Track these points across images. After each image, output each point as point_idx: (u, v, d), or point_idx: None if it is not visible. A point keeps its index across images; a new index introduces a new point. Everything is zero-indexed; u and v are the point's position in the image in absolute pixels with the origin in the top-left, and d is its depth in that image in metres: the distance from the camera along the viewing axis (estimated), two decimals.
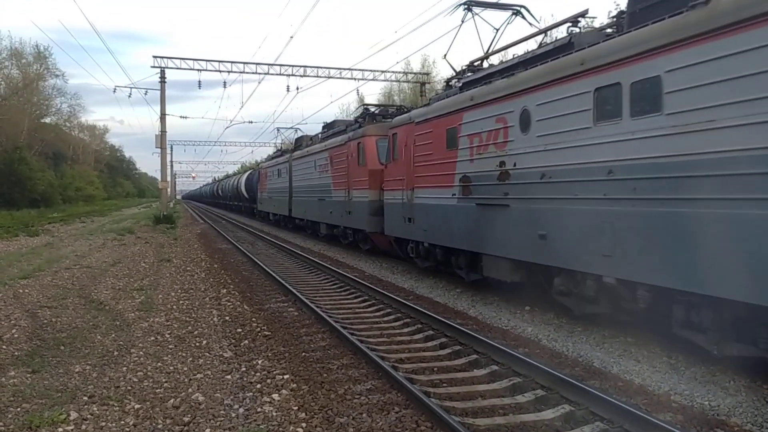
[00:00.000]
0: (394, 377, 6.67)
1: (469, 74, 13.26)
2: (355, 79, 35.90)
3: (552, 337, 8.95)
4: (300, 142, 32.24)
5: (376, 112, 21.27)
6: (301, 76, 35.02)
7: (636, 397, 6.31)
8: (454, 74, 14.21)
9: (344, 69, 35.49)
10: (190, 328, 9.62)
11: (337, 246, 23.59)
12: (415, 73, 43.67)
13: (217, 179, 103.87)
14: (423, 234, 14.12)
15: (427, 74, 45.94)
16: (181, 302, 11.73)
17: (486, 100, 11.17)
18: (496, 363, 7.45)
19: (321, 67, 35.10)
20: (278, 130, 44.28)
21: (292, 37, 33.88)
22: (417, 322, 9.86)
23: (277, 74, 34.84)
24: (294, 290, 12.53)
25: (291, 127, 42.00)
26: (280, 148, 41.66)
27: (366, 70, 36.33)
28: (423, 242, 14.34)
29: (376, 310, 11.07)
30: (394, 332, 9.43)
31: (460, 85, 13.17)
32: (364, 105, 23.17)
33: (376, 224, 17.87)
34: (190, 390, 6.65)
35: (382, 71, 36.77)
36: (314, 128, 36.78)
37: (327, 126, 27.25)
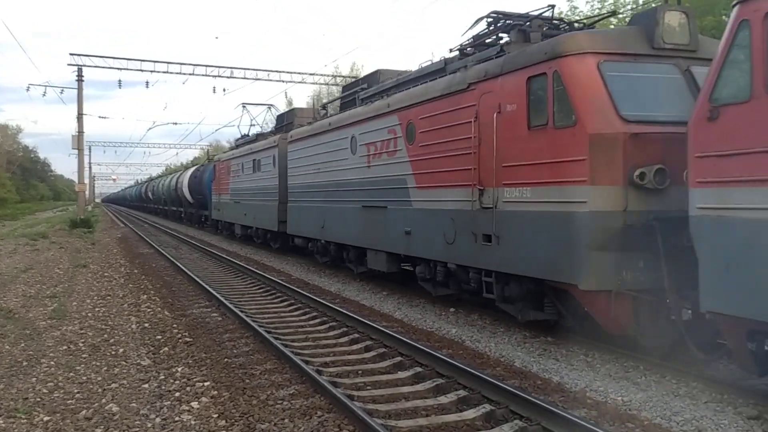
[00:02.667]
0: (318, 381, 6.61)
1: None
2: (283, 81, 35.59)
3: (475, 338, 9.10)
4: (289, 119, 21.96)
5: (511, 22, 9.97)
6: (228, 77, 34.38)
7: (554, 394, 6.49)
8: None
9: (272, 71, 35.13)
10: (105, 336, 9.24)
11: (265, 249, 23.16)
12: (344, 77, 43.72)
13: (140, 181, 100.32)
14: None
15: (356, 78, 46.05)
16: (96, 309, 11.27)
17: None
18: (420, 365, 7.49)
19: (249, 69, 34.60)
20: (244, 107, 30.33)
21: (217, 38, 33.23)
22: (343, 325, 9.82)
23: (202, 75, 34.01)
24: (218, 295, 12.25)
25: (263, 104, 31.27)
26: (247, 133, 29.40)
27: (294, 72, 36.09)
28: None
29: (302, 314, 10.96)
30: (320, 336, 9.36)
31: None
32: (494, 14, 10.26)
33: (605, 272, 7.48)
34: (103, 400, 6.39)
35: (311, 74, 36.62)
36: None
37: (359, 81, 16.10)
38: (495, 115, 8.95)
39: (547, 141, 8.10)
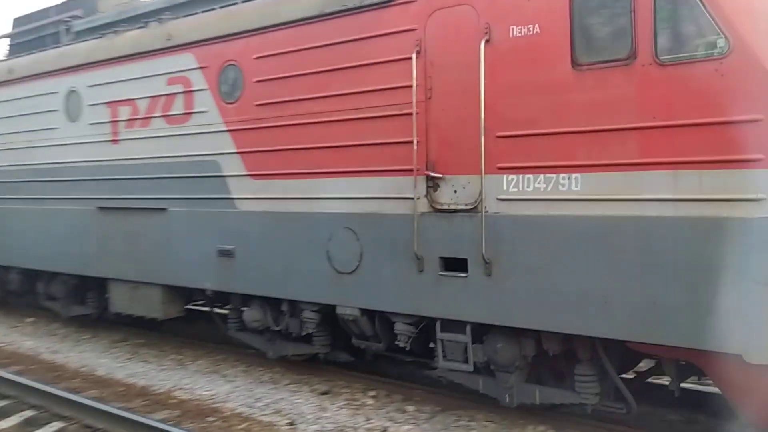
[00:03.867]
0: None
1: None
2: None
3: (54, 350, 8.25)
4: None
5: None
6: None
7: (136, 400, 6.21)
8: None
9: None
10: None
11: None
12: None
13: None
14: None
15: None
16: None
17: None
18: None
19: None
20: None
21: None
22: None
23: None
24: None
25: None
26: None
27: None
28: None
29: None
30: None
31: None
32: None
33: None
34: None
35: None
36: None
37: (53, 10, 9.76)
38: (481, 44, 5.10)
39: (632, 87, 4.52)
